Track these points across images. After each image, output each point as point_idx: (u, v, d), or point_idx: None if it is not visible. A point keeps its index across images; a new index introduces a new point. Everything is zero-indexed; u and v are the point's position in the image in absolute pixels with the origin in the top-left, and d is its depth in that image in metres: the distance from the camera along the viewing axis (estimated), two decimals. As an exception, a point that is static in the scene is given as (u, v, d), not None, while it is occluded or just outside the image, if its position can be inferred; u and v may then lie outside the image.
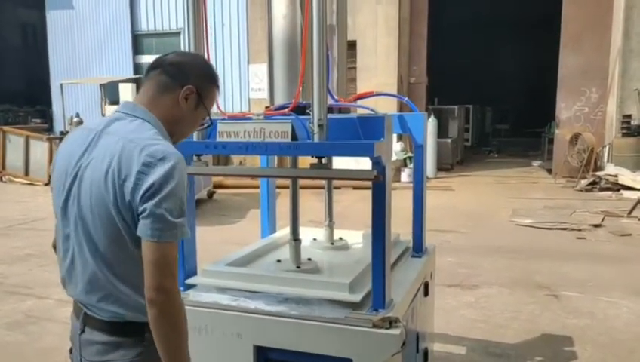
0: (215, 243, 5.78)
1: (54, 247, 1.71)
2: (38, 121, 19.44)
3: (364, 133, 2.27)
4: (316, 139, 2.22)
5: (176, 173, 1.47)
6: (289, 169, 2.84)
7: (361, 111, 2.73)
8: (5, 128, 13.63)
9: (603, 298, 4.97)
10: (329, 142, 2.23)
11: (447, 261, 5.93)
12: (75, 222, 1.56)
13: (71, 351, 1.69)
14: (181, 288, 1.90)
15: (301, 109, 2.44)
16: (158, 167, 1.45)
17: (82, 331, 1.59)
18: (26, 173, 12.76)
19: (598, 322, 4.45)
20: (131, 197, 1.45)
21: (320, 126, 2.22)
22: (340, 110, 2.73)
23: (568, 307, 4.79)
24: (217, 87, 1.76)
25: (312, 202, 7.39)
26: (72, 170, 1.56)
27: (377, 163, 2.20)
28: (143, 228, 1.44)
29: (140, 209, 1.45)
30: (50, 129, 17.03)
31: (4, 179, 13.01)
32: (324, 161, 2.77)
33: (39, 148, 12.64)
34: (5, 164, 13.10)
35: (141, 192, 1.44)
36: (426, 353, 3.00)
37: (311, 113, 2.24)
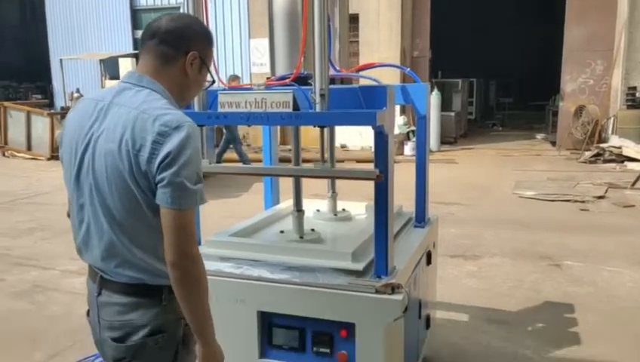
0: (219, 217, 5.80)
1: (69, 216, 1.73)
2: (39, 97, 19.40)
3: (366, 103, 2.26)
4: (318, 108, 2.21)
5: (191, 141, 1.48)
6: (293, 168, 2.84)
7: (363, 82, 2.72)
8: (6, 104, 13.61)
9: (606, 267, 4.99)
10: (331, 112, 2.22)
11: (450, 232, 5.95)
12: (90, 192, 1.57)
13: (88, 313, 1.73)
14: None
15: (302, 80, 2.42)
16: (173, 136, 1.46)
17: (99, 293, 1.63)
18: (29, 148, 12.79)
19: (600, 290, 4.48)
20: (147, 166, 1.46)
21: (322, 95, 2.21)
22: (342, 81, 2.71)
23: (570, 276, 4.82)
24: (213, 43, 1.76)
25: (315, 181, 7.39)
26: (82, 141, 1.57)
27: (380, 132, 2.19)
28: (163, 196, 1.46)
29: (158, 178, 1.46)
30: (51, 105, 16.99)
31: (6, 154, 13.05)
32: (326, 130, 2.77)
33: (40, 124, 12.64)
34: (7, 139, 13.12)
35: (158, 161, 1.45)
36: (428, 319, 3.04)
37: (312, 83, 2.22)
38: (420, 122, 3.14)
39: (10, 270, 5.14)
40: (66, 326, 3.86)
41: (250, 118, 2.35)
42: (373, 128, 2.15)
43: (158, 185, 1.46)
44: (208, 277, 2.30)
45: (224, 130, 10.46)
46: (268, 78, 2.63)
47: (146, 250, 1.55)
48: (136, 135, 1.47)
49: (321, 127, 2.45)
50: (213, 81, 1.84)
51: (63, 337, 3.70)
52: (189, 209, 1.47)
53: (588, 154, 11.36)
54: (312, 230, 2.79)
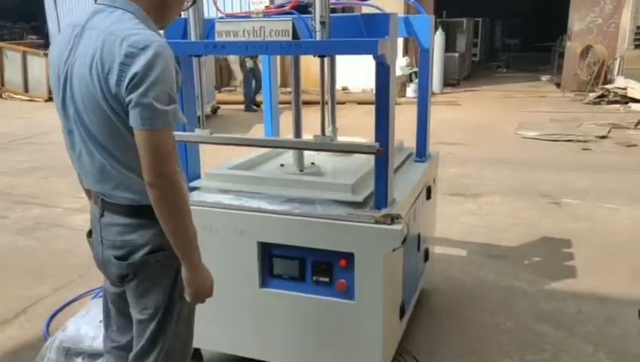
0: (220, 156, 5.81)
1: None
2: (34, 37, 19.02)
3: (367, 32, 2.20)
4: (318, 37, 2.15)
5: (160, 61, 1.44)
6: (294, 140, 2.70)
7: (365, 11, 2.63)
8: (1, 44, 13.33)
9: (605, 204, 5.02)
10: (331, 40, 2.16)
11: (450, 172, 5.95)
12: (74, 119, 1.57)
13: (89, 234, 1.77)
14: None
15: (302, 8, 2.34)
16: (140, 56, 1.42)
17: (102, 215, 1.66)
18: (26, 89, 12.64)
19: (598, 226, 4.52)
20: (117, 89, 1.45)
21: (322, 23, 2.14)
22: (344, 10, 2.63)
23: (569, 213, 4.85)
24: None
25: (316, 119, 7.34)
26: (62, 69, 1.56)
27: (381, 62, 2.14)
28: (134, 118, 1.45)
29: (127, 100, 1.44)
30: (46, 45, 16.65)
31: (4, 95, 12.90)
32: (326, 69, 2.70)
33: (37, 64, 12.43)
34: (4, 81, 12.94)
35: (125, 83, 1.43)
36: (426, 253, 3.08)
37: (313, 11, 2.15)
38: (422, 55, 3.06)
39: (13, 208, 5.18)
40: (70, 261, 3.92)
41: (248, 48, 2.29)
42: (374, 58, 2.09)
43: (129, 107, 1.45)
44: (207, 208, 2.35)
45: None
46: (266, 7, 2.54)
47: (135, 172, 1.55)
48: (105, 58, 1.45)
49: (322, 57, 2.38)
50: (195, 1, 1.78)
51: (67, 271, 3.77)
52: (161, 129, 1.45)
53: (592, 95, 11.22)
54: (312, 164, 2.78)
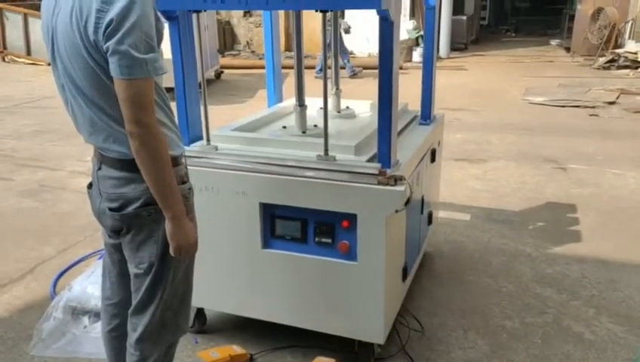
0: (222, 122, 5.77)
1: None
2: (36, -1, 18.70)
3: (372, -12, 2.13)
4: (320, -10, 2.09)
5: (136, 7, 1.42)
6: (297, 163, 2.54)
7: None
8: (1, 5, 13.10)
9: (610, 170, 4.98)
10: (334, -5, 2.10)
11: (455, 137, 5.90)
12: (62, 72, 1.58)
13: (89, 186, 1.79)
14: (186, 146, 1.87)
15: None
16: (116, 2, 1.41)
17: (99, 168, 1.68)
18: (28, 52, 12.50)
19: (603, 192, 4.49)
20: (95, 36, 1.43)
21: (324, -23, 2.08)
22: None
23: (574, 178, 4.82)
24: None
25: (320, 83, 7.26)
26: (50, 22, 1.55)
27: (384, 18, 2.08)
28: (112, 67, 1.44)
29: (105, 48, 1.43)
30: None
31: (6, 59, 12.77)
32: (329, 15, 2.63)
33: (39, 27, 12.16)
34: (6, 44, 12.79)
35: (102, 30, 1.42)
36: (430, 216, 3.07)
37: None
38: (428, 14, 3.00)
39: (18, 170, 5.19)
40: (75, 223, 3.94)
41: (248, 2, 2.24)
42: (377, 12, 2.04)
43: (108, 56, 1.44)
44: (209, 169, 2.34)
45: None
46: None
47: (121, 124, 1.53)
48: (83, 6, 1.44)
49: (324, 13, 2.32)
50: None
51: (72, 233, 3.79)
52: (141, 79, 1.44)
53: (602, 60, 11.02)
54: (315, 126, 2.74)
